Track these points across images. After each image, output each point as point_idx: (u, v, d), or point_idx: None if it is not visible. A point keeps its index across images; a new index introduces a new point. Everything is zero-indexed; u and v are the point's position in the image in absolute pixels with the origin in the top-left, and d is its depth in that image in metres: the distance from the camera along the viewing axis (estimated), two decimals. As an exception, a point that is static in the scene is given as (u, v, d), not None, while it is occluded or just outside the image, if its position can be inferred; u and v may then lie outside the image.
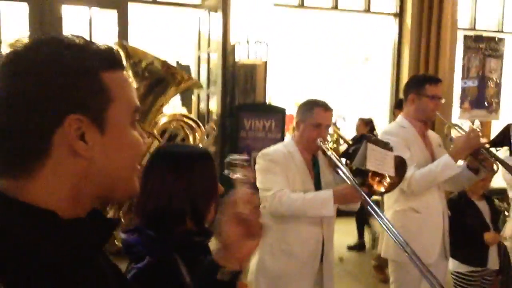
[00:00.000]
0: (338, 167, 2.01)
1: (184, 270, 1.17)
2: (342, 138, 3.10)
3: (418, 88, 2.52)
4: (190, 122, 1.78)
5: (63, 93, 0.60)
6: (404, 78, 6.34)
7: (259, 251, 2.17)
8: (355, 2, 6.14)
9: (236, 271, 0.88)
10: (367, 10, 6.20)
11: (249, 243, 0.86)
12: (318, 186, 2.20)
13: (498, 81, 6.83)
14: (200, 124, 1.80)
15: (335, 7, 5.99)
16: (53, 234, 0.60)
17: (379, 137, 2.55)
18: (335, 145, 2.72)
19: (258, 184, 2.09)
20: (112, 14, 4.87)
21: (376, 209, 1.81)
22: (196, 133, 1.77)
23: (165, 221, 1.19)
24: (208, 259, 0.89)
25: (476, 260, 2.89)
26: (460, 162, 2.50)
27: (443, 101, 2.58)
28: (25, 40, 0.63)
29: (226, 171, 1.10)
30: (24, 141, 0.60)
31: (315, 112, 2.16)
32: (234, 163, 1.03)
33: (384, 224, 1.76)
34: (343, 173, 1.97)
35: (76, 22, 4.81)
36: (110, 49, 0.68)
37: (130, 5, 5.02)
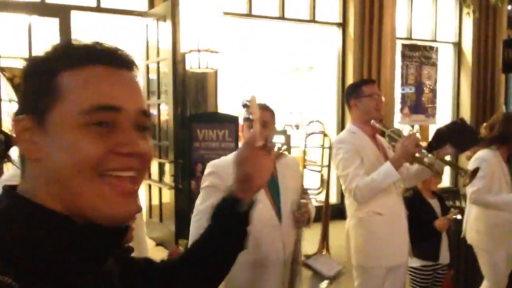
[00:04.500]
0: None
1: None
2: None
3: (356, 92, 2.60)
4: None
5: (23, 95, 0.63)
6: (349, 85, 6.56)
7: None
8: (301, 12, 6.30)
9: (252, 202, 0.95)
10: (312, 20, 6.38)
11: (263, 174, 0.94)
12: (276, 191, 2.10)
13: (433, 88, 7.28)
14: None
15: (282, 16, 6.12)
16: (63, 234, 0.60)
17: (333, 146, 2.60)
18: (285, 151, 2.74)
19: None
20: (53, 22, 4.64)
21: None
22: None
23: None
24: (226, 194, 0.96)
25: (428, 255, 3.01)
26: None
27: (383, 98, 2.63)
28: None
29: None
30: None
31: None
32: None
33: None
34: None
35: (14, 31, 4.54)
36: (95, 44, 0.65)
37: (73, 12, 4.82)
